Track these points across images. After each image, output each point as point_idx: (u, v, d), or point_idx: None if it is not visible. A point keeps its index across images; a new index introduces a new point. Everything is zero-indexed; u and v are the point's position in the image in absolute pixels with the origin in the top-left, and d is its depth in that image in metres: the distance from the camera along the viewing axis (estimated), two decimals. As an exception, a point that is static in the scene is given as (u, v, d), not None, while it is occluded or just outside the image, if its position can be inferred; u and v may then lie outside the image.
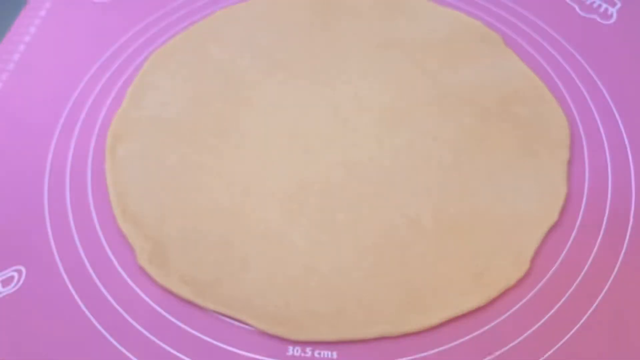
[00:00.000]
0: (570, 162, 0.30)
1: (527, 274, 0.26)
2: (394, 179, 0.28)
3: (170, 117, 0.31)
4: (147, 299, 0.25)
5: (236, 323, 0.24)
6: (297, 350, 0.24)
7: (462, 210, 0.27)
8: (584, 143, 0.30)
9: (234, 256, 0.26)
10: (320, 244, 0.26)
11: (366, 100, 0.32)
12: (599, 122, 0.31)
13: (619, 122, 0.31)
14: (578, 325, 0.24)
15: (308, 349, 0.24)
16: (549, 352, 0.23)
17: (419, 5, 0.37)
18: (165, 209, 0.27)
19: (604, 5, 0.38)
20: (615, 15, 0.37)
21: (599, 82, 0.33)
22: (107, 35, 0.36)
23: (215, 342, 0.24)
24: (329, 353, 0.23)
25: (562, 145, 0.30)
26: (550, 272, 0.26)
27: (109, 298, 0.25)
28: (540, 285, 0.25)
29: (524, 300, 0.25)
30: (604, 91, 0.33)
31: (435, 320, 0.24)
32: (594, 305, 0.25)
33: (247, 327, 0.24)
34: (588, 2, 0.38)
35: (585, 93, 0.33)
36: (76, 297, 0.25)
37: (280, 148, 0.30)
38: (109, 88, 0.33)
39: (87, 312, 0.24)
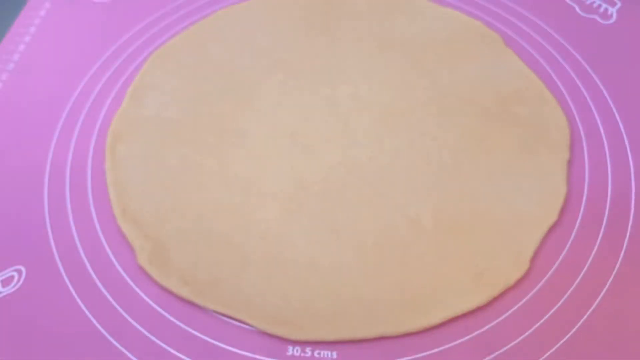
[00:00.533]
0: (570, 162, 0.30)
1: (527, 274, 0.26)
2: (394, 179, 0.28)
3: (170, 117, 0.31)
4: (147, 298, 0.25)
5: (236, 323, 0.24)
6: (297, 350, 0.24)
7: (462, 210, 0.27)
8: (584, 143, 0.30)
9: (234, 256, 0.26)
10: (320, 244, 0.26)
11: (366, 100, 0.32)
12: (599, 122, 0.31)
13: (619, 122, 0.31)
14: (578, 325, 0.24)
15: (308, 349, 0.24)
16: (549, 352, 0.23)
17: (419, 6, 0.37)
18: (165, 209, 0.27)
19: (604, 5, 0.38)
20: (615, 15, 0.37)
21: (598, 82, 0.33)
22: (107, 35, 0.36)
23: (215, 342, 0.24)
24: (329, 353, 0.23)
25: (562, 145, 0.30)
26: (550, 272, 0.26)
27: (109, 298, 0.25)
28: (540, 285, 0.25)
29: (524, 300, 0.25)
30: (604, 91, 0.33)
31: (435, 320, 0.24)
32: (594, 305, 0.25)
33: (247, 327, 0.24)
34: (588, 2, 0.38)
35: (585, 93, 0.33)
36: (76, 297, 0.25)
37: (280, 148, 0.30)
38: (109, 88, 0.33)
39: (87, 312, 0.24)
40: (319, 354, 0.23)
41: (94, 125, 0.31)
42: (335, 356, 0.23)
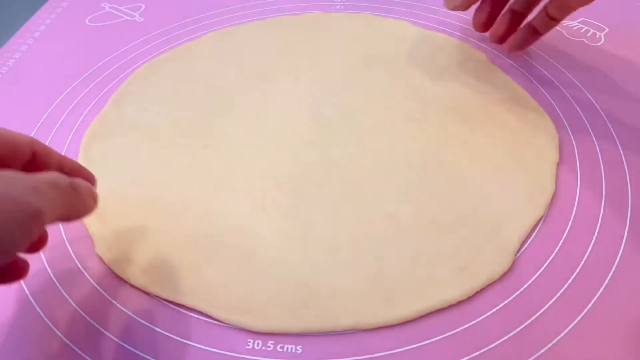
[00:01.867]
0: (560, 164, 0.28)
1: (515, 272, 0.24)
2: (373, 179, 0.27)
3: (149, 121, 0.31)
4: (101, 290, 0.23)
5: (196, 315, 0.22)
6: (258, 344, 0.21)
7: (444, 208, 0.26)
8: (575, 146, 0.29)
9: (199, 248, 0.24)
10: (291, 238, 0.25)
11: (349, 107, 0.31)
12: (588, 125, 0.30)
13: (608, 124, 0.30)
14: (571, 327, 0.22)
15: (270, 343, 0.21)
16: (539, 353, 0.21)
17: (406, 29, 0.38)
18: (132, 202, 0.26)
19: (592, 30, 0.38)
20: (603, 38, 0.37)
21: (584, 90, 0.33)
22: (96, 52, 0.36)
23: (168, 334, 0.21)
24: (293, 347, 0.21)
25: (551, 147, 0.29)
26: (540, 271, 0.24)
27: (58, 286, 0.23)
28: (528, 283, 0.23)
29: (511, 298, 0.23)
30: (590, 97, 0.32)
31: (411, 313, 0.22)
32: (589, 305, 0.22)
33: (205, 319, 0.22)
34: (575, 28, 0.39)
35: (572, 100, 0.32)
36: (23, 285, 0.23)
37: (257, 149, 0.29)
38: (92, 95, 0.33)
39: (32, 300, 0.22)
40: (282, 347, 0.21)
41: (72, 126, 0.31)
42: (300, 351, 0.21)
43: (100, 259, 0.24)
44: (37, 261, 0.24)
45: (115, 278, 0.23)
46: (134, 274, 0.23)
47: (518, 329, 0.22)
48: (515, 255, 0.24)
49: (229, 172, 0.28)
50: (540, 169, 0.27)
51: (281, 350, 0.21)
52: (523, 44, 0.34)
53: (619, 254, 0.24)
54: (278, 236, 0.25)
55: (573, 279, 0.23)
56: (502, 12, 0.34)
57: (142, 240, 0.24)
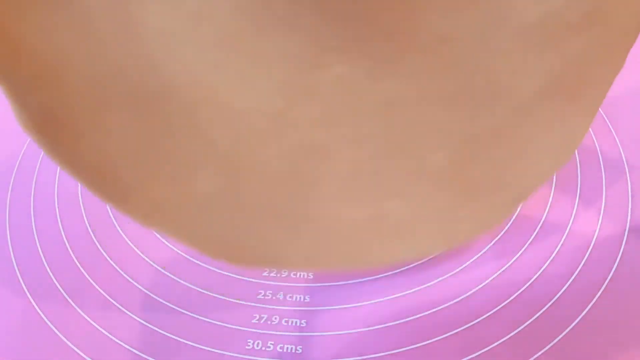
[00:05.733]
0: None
1: (517, 273, 0.24)
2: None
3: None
4: (102, 292, 0.23)
5: (196, 315, 0.22)
6: (258, 344, 0.21)
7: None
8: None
9: (191, 153, 0.18)
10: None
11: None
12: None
13: (608, 123, 0.30)
14: (570, 329, 0.22)
15: (270, 343, 0.21)
16: (538, 354, 0.21)
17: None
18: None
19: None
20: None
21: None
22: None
23: (170, 335, 0.22)
24: (293, 347, 0.21)
25: (551, 147, 0.29)
26: (540, 271, 0.24)
27: (62, 291, 0.23)
28: (528, 283, 0.23)
29: (511, 299, 0.23)
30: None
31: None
32: (590, 305, 0.22)
33: (207, 319, 0.22)
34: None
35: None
36: (24, 286, 0.23)
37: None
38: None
39: (31, 299, 0.23)
40: (282, 347, 0.21)
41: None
42: (300, 351, 0.21)
43: (102, 260, 0.24)
44: (39, 264, 0.24)
45: (115, 280, 0.23)
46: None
47: (518, 329, 0.22)
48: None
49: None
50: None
51: (281, 350, 0.21)
52: None
53: (620, 255, 0.24)
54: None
55: (573, 280, 0.23)
56: None
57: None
